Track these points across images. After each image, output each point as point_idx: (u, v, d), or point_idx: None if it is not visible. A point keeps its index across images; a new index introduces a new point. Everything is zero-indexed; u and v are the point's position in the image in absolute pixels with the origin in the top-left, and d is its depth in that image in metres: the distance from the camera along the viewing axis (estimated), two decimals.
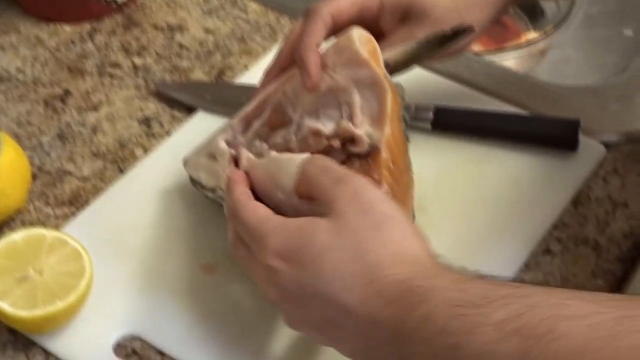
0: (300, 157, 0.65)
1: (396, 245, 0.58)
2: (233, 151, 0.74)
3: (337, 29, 0.73)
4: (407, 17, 0.75)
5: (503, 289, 0.52)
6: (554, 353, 0.48)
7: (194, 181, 0.77)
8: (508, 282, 0.54)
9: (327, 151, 0.71)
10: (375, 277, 0.56)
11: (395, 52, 0.74)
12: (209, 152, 0.76)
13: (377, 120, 0.70)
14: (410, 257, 0.57)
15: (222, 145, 0.75)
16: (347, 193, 0.60)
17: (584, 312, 0.49)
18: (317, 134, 0.71)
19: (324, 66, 0.71)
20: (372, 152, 0.70)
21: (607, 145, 0.85)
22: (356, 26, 0.72)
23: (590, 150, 0.84)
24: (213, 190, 0.75)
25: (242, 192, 0.66)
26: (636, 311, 0.48)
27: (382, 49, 0.73)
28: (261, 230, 0.61)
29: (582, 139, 0.83)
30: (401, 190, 0.72)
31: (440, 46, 0.73)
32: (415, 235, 0.59)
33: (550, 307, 0.50)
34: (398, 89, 0.73)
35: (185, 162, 0.78)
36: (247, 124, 0.76)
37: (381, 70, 0.71)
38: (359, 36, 0.71)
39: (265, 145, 0.74)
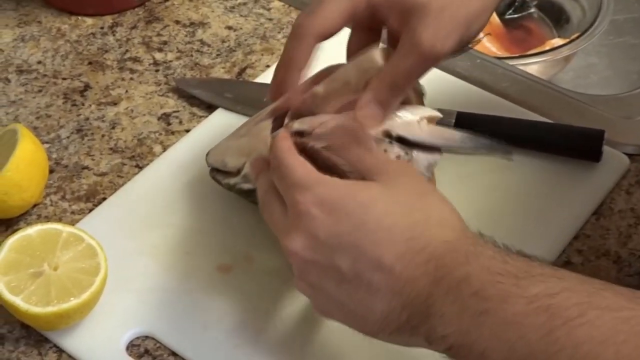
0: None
1: (442, 212, 0.59)
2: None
3: (327, 38, 0.71)
4: (408, 15, 0.71)
5: (542, 268, 0.54)
6: (578, 338, 0.50)
7: (214, 171, 0.76)
8: (548, 264, 0.56)
9: None
10: (420, 234, 0.57)
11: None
12: (240, 134, 0.76)
13: None
14: (455, 225, 0.59)
15: (263, 123, 0.73)
16: (398, 166, 0.63)
17: (615, 305, 0.50)
18: None
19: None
20: None
21: (630, 157, 0.84)
22: (375, 46, 0.71)
23: (614, 161, 0.83)
24: (238, 172, 0.73)
25: (290, 147, 0.64)
26: None
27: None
28: (309, 179, 0.60)
29: (606, 149, 0.82)
30: None
31: None
32: (456, 212, 0.60)
33: (584, 293, 0.51)
34: (420, 89, 0.73)
35: (209, 153, 0.77)
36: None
37: None
38: (381, 55, 0.70)
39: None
